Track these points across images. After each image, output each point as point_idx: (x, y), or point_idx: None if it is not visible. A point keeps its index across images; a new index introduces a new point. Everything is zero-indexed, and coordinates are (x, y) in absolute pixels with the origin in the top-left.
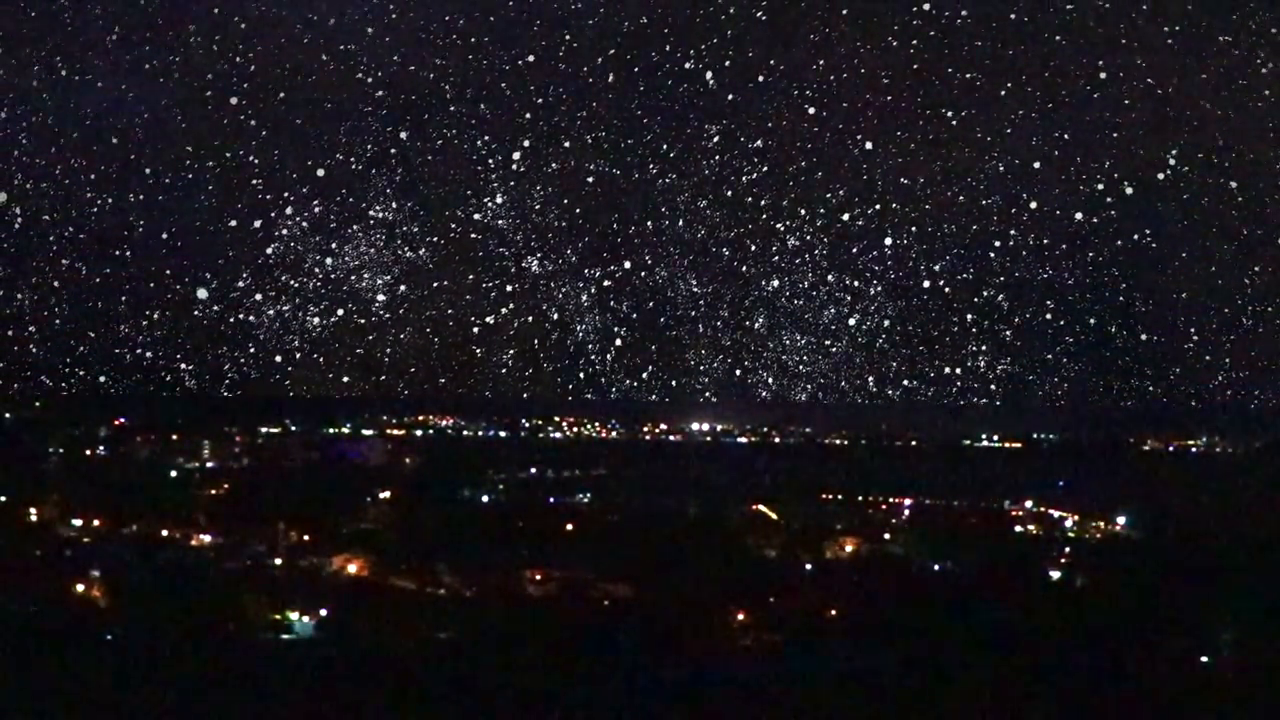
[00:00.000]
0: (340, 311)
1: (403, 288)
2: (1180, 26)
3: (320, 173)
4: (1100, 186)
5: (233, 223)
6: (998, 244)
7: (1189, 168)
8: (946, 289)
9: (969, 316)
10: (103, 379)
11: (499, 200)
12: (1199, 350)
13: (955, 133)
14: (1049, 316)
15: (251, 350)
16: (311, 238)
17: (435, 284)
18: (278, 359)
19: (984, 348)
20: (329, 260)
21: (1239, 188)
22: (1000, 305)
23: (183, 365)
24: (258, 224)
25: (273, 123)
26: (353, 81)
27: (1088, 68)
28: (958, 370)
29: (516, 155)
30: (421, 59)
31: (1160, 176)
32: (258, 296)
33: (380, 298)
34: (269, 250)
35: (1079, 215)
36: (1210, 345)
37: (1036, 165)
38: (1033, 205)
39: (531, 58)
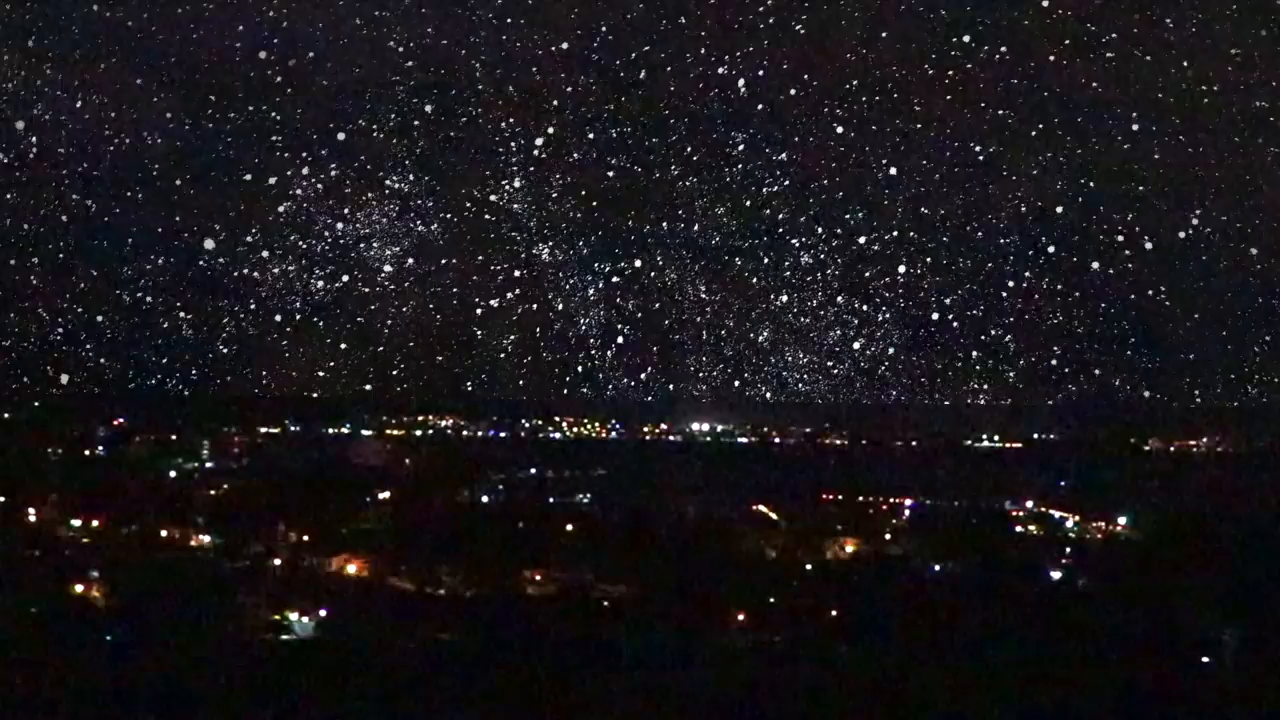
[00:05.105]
0: (345, 277)
1: (410, 261)
2: (1217, 88)
3: (341, 136)
4: (1120, 238)
5: (247, 177)
6: (1011, 284)
7: (1210, 229)
8: (955, 323)
9: (974, 353)
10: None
11: (517, 184)
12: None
13: (981, 168)
14: (1054, 361)
15: (253, 307)
16: (325, 201)
17: (443, 260)
18: (278, 318)
19: (986, 385)
20: (339, 225)
21: (1259, 254)
22: (1006, 345)
23: (182, 314)
24: (272, 181)
25: (299, 82)
26: (384, 50)
27: (1122, 118)
28: (958, 407)
29: (539, 141)
30: (455, 34)
31: (1181, 235)
32: (264, 253)
33: (387, 268)
34: (280, 209)
35: (1095, 265)
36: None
37: (1059, 210)
38: (1050, 250)
39: (565, 45)
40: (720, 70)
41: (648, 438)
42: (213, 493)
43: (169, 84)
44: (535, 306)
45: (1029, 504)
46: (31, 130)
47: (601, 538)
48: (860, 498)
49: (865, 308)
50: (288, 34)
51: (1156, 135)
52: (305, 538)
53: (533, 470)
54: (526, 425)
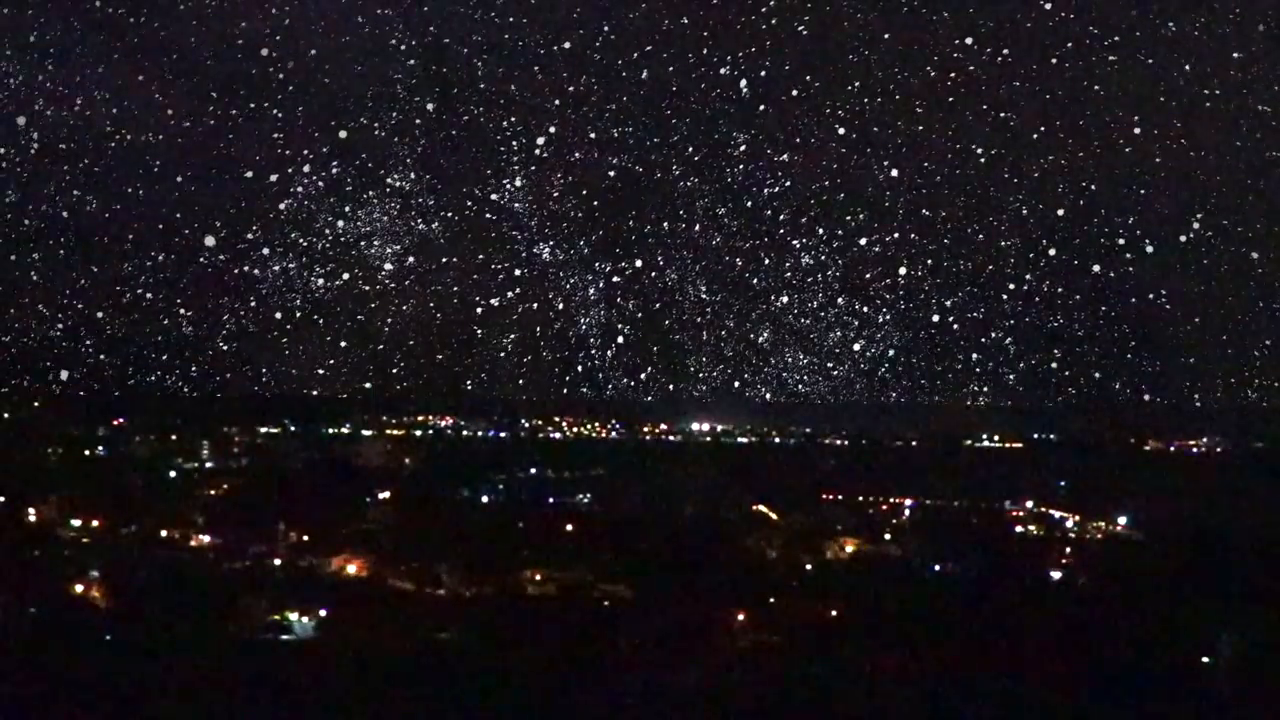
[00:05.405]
0: (345, 275)
1: (411, 259)
2: (1219, 91)
3: (342, 134)
4: (1121, 241)
5: (249, 174)
6: (1011, 287)
7: (1212, 233)
8: (955, 326)
9: (974, 356)
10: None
11: (518, 183)
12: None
13: (983, 170)
14: (1055, 364)
15: (253, 305)
16: (326, 198)
17: (444, 259)
18: (278, 315)
19: (986, 388)
20: (340, 223)
21: (1259, 258)
22: (1007, 348)
23: (182, 311)
24: (274, 178)
25: (300, 78)
26: (385, 47)
27: (1124, 121)
28: (958, 407)
29: (541, 140)
30: (457, 32)
31: (1183, 239)
32: (265, 251)
33: (388, 266)
34: (281, 206)
35: (1097, 268)
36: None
37: (1060, 212)
38: (1051, 252)
39: (568, 44)
40: (722, 71)
41: (648, 438)
42: (213, 493)
43: (170, 80)
44: (535, 306)
45: (1029, 504)
46: (32, 126)
47: (601, 538)
48: (860, 498)
49: (866, 309)
50: (289, 31)
51: (1158, 139)
52: (305, 538)
53: (533, 470)
54: (526, 425)
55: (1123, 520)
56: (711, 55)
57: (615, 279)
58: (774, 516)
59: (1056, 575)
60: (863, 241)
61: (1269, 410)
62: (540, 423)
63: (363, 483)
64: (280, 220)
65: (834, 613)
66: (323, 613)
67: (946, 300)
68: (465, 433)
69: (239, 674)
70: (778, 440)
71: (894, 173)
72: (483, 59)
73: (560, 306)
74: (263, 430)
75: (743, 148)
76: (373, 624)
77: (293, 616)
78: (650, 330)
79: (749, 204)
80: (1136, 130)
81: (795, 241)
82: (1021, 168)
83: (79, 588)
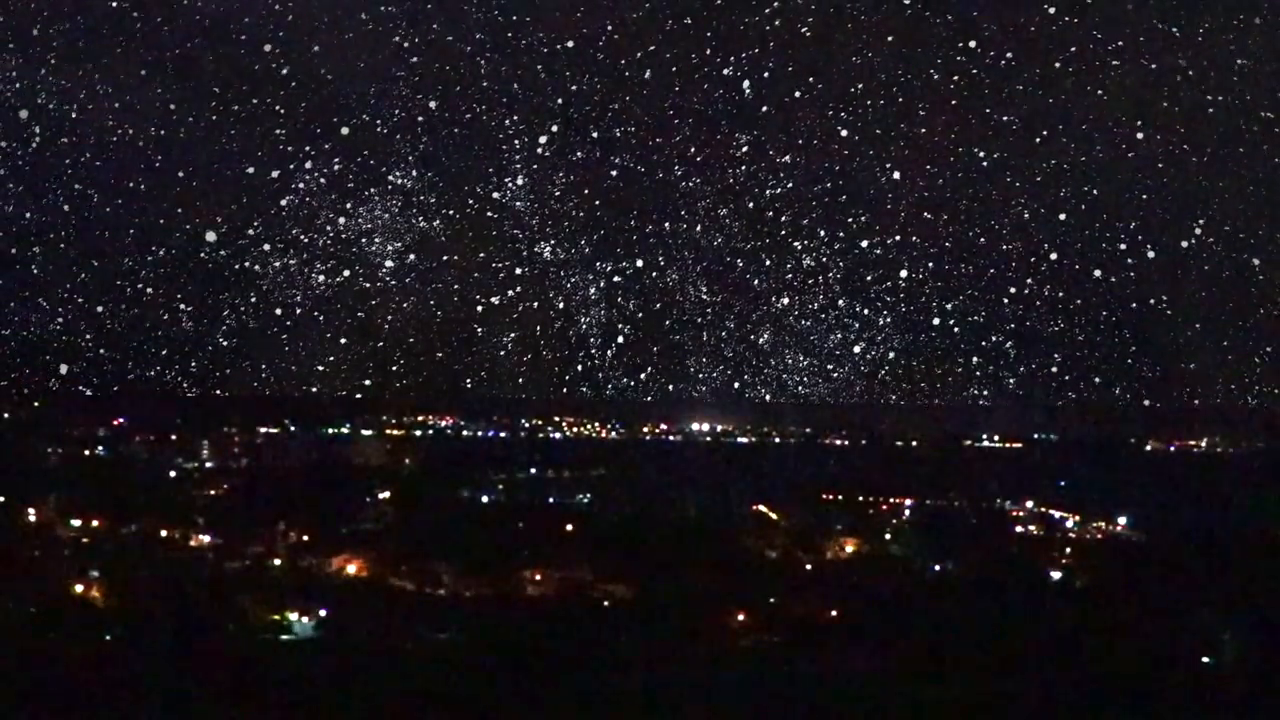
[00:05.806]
0: (346, 273)
1: (412, 257)
2: (1222, 97)
3: (344, 131)
4: (1123, 246)
5: (250, 170)
6: (1013, 290)
7: (1213, 239)
8: (955, 329)
9: (974, 359)
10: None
11: (520, 182)
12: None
13: (985, 173)
14: (1055, 369)
15: (253, 301)
16: (327, 195)
17: (445, 257)
18: (278, 312)
19: (985, 391)
20: (342, 220)
21: (1261, 264)
22: (1007, 352)
23: (183, 306)
24: (275, 174)
25: (303, 74)
26: (388, 45)
27: (1127, 126)
28: (958, 407)
29: (543, 139)
30: (460, 30)
31: (1184, 245)
32: (266, 247)
33: (388, 264)
34: (283, 202)
35: (1098, 272)
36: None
37: (1062, 217)
38: (1053, 256)
39: (571, 43)
40: (725, 71)
41: (648, 438)
42: (213, 493)
43: (172, 76)
44: (536, 305)
45: (1029, 504)
46: (34, 120)
47: (601, 538)
48: (860, 498)
49: (867, 311)
50: (292, 27)
51: (1161, 144)
52: (305, 538)
53: (533, 470)
54: (526, 425)
55: (1123, 520)
56: (714, 56)
57: (615, 279)
58: (774, 516)
59: (1056, 575)
60: (864, 244)
61: (1269, 410)
62: (540, 423)
63: (363, 483)
64: (281, 217)
65: (834, 613)
66: (323, 613)
67: (947, 302)
68: (465, 433)
69: (239, 674)
70: (778, 440)
71: (895, 175)
72: (485, 57)
73: (560, 306)
74: (263, 430)
75: (745, 149)
76: (373, 624)
77: (293, 616)
78: (650, 330)
79: (750, 205)
80: (1138, 135)
81: (796, 243)
82: (1023, 172)
83: (79, 588)
